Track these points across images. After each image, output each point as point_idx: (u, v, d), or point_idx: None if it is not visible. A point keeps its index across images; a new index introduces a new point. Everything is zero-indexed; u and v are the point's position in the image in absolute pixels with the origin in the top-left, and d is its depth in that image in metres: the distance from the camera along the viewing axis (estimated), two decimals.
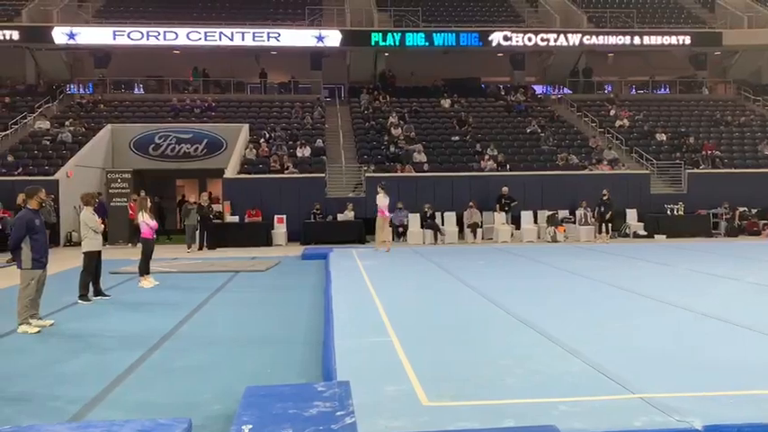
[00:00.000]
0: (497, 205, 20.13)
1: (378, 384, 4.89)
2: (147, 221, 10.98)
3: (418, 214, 19.66)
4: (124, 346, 6.74)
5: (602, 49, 29.95)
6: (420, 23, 28.84)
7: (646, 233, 20.06)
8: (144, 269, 11.07)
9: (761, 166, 22.84)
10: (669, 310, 7.89)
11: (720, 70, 31.91)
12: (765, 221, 20.53)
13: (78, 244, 11.62)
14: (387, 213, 16.39)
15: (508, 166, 21.93)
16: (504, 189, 20.17)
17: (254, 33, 27.25)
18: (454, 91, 28.33)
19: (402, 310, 8.00)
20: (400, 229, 19.57)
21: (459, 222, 19.81)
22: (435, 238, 19.13)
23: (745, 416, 4.10)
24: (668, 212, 20.74)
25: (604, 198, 19.24)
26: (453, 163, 22.39)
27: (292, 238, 19.27)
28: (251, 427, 3.91)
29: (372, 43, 27.87)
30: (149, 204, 11.35)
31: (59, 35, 26.44)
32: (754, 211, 21.09)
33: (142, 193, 16.12)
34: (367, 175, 20.77)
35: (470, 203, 19.68)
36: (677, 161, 22.76)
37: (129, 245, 18.64)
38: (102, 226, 10.00)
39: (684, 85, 31.11)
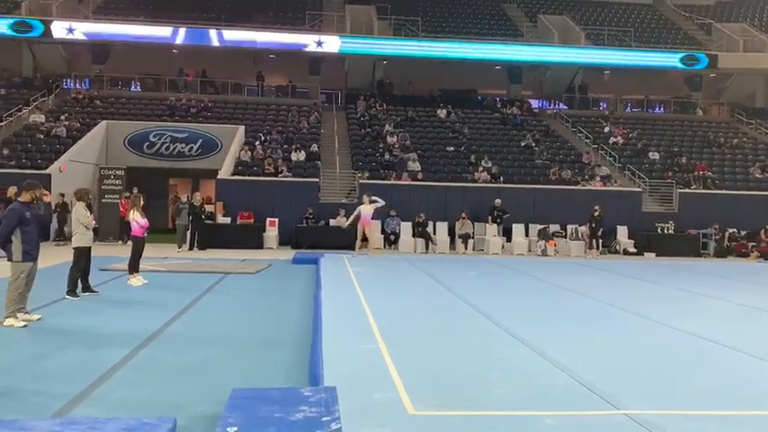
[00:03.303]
0: (489, 217, 20.19)
1: (364, 391, 4.89)
2: (137, 220, 10.95)
3: (410, 223, 19.70)
4: (111, 344, 6.70)
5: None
6: (419, 33, 28.98)
7: (636, 250, 20.16)
8: (133, 267, 11.03)
9: (751, 188, 23.04)
10: (657, 328, 7.93)
11: (715, 92, 32.22)
12: (754, 243, 20.67)
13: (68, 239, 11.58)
14: (368, 221, 16.69)
15: (501, 179, 22.02)
16: (497, 201, 20.24)
17: (253, 35, 27.30)
18: (451, 102, 28.45)
19: (391, 318, 8.00)
20: (392, 237, 19.61)
21: (451, 232, 19.86)
22: (426, 247, 19.15)
23: None
24: (659, 231, 20.86)
25: (596, 214, 19.34)
26: (447, 173, 22.46)
27: (284, 241, 19.24)
28: (236, 429, 3.90)
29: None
30: (142, 203, 11.32)
31: (58, 29, 26.38)
32: (743, 232, 21.25)
33: (135, 191, 16.07)
34: (361, 181, 20.80)
35: (463, 214, 19.73)
36: (669, 180, 22.94)
37: (120, 242, 18.56)
38: (94, 222, 9.96)
39: (679, 105, 31.39)
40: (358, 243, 16.92)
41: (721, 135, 27.82)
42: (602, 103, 31.52)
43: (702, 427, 4.30)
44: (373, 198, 17.01)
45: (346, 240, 18.73)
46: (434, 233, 19.66)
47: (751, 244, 20.74)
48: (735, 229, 21.28)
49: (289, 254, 16.55)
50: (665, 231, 20.85)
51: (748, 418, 4.56)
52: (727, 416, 4.58)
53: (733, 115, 30.27)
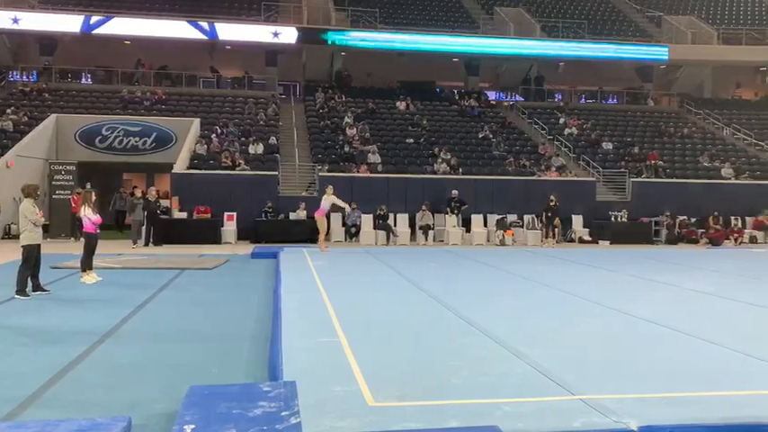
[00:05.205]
0: (447, 208, 20.34)
1: (324, 384, 4.88)
2: (89, 216, 10.66)
3: (371, 215, 19.69)
4: (63, 343, 6.53)
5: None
6: (377, 24, 28.90)
7: (590, 239, 20.62)
8: (86, 264, 10.76)
9: (700, 176, 23.78)
10: (611, 314, 8.12)
11: (665, 83, 33.09)
12: (703, 230, 21.35)
13: (17, 237, 11.20)
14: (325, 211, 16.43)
15: (460, 170, 22.20)
16: (454, 192, 20.40)
17: (208, 26, 26.82)
18: (410, 93, 28.52)
19: (351, 311, 7.98)
20: (353, 230, 19.58)
21: (412, 224, 19.94)
22: (387, 239, 19.20)
23: (678, 417, 4.26)
24: (612, 219, 21.36)
25: (551, 204, 19.68)
26: (407, 165, 22.52)
27: (242, 236, 19.01)
28: (193, 427, 3.84)
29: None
30: (93, 198, 11.03)
31: (2, 19, 25.43)
32: (693, 219, 21.93)
33: (87, 186, 15.65)
34: (320, 174, 20.68)
35: (423, 205, 19.83)
36: (622, 170, 23.49)
37: (72, 239, 18.06)
38: (43, 219, 9.66)
39: (631, 96, 32.15)
40: (321, 237, 16.51)
41: (671, 125, 28.61)
42: (557, 95, 32.04)
43: (654, 410, 4.42)
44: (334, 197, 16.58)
45: (306, 234, 18.63)
46: (395, 225, 19.71)
47: (700, 231, 21.41)
48: (685, 217, 21.93)
49: (248, 248, 16.37)
50: (619, 219, 21.36)
51: (699, 398, 4.71)
52: (679, 397, 4.72)
53: (682, 106, 31.16)
